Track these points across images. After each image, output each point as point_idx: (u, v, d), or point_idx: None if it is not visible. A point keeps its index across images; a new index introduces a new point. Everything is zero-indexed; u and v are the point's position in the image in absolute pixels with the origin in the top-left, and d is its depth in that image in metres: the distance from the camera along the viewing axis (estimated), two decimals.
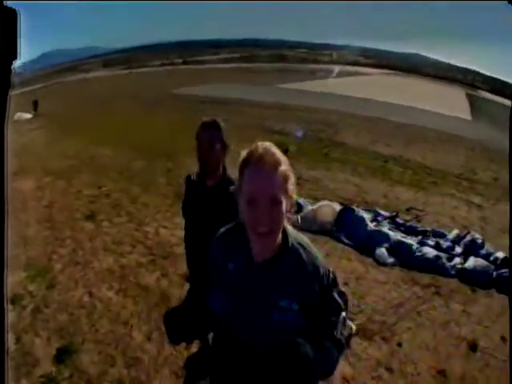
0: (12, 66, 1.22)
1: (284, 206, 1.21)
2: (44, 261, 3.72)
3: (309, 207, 6.40)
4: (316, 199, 7.10)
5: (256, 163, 1.21)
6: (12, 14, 1.11)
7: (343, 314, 1.36)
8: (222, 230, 1.50)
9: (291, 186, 1.25)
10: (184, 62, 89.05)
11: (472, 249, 5.47)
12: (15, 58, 1.16)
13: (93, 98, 32.05)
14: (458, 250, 5.47)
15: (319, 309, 1.31)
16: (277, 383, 1.28)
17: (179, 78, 46.47)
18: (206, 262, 1.51)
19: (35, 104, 27.79)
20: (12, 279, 4.53)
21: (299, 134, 13.22)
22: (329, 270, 1.35)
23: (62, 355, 3.53)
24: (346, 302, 1.39)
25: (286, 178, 1.22)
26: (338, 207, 6.35)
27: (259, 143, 1.26)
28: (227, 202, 2.34)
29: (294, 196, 1.27)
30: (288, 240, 1.31)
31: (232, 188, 1.33)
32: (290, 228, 1.34)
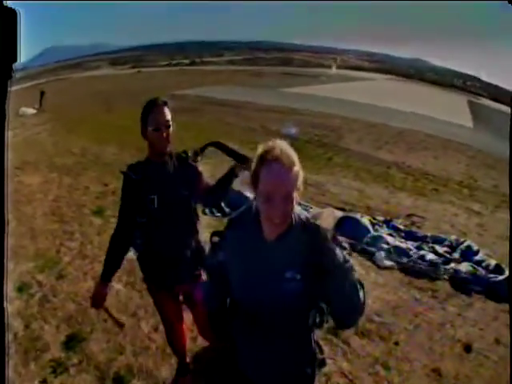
0: (13, 65, 1.30)
1: (294, 198, 1.35)
2: (52, 253, 3.76)
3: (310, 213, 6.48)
4: (319, 203, 7.19)
5: (274, 162, 1.31)
6: (12, 14, 1.18)
7: (350, 262, 1.44)
8: (234, 215, 1.67)
9: (301, 181, 1.37)
10: (190, 63, 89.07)
11: (466, 255, 5.56)
12: (15, 59, 1.23)
13: (99, 95, 31.99)
14: (455, 255, 5.55)
15: (328, 268, 1.38)
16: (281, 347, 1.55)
17: (185, 79, 46.27)
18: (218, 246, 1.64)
19: (42, 95, 27.63)
20: (20, 269, 4.63)
21: (291, 131, 13.17)
22: (326, 235, 1.43)
23: (71, 342, 3.60)
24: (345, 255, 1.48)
25: (298, 177, 1.34)
26: (339, 214, 6.43)
27: (277, 142, 1.37)
28: (188, 169, 2.54)
29: (301, 188, 1.39)
30: (293, 220, 1.44)
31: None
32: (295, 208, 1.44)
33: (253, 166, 1.39)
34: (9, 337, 3.53)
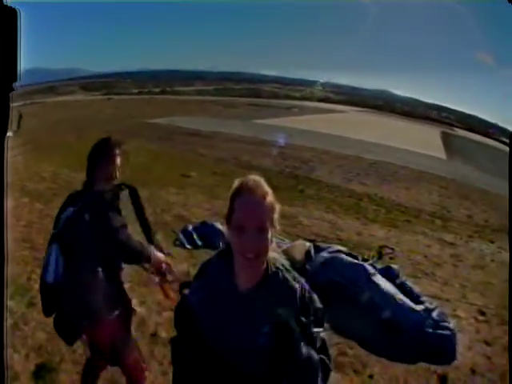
0: (14, 64, 1.26)
1: (269, 234, 1.32)
2: (23, 279, 3.65)
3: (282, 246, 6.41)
4: (290, 235, 7.16)
5: (247, 193, 1.32)
6: (12, 14, 1.16)
7: (320, 329, 1.42)
8: (205, 261, 1.59)
9: (276, 216, 1.35)
10: (161, 92, 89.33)
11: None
12: (15, 59, 1.19)
13: (71, 121, 31.90)
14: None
15: (299, 328, 1.33)
16: None
17: (155, 108, 46.64)
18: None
19: (20, 118, 27.26)
20: None
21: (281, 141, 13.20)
22: (306, 289, 1.42)
23: (41, 372, 3.50)
24: (322, 318, 1.46)
25: (272, 209, 1.33)
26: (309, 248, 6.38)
27: (250, 176, 1.38)
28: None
29: (277, 227, 1.36)
30: (268, 267, 1.40)
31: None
32: (270, 253, 1.41)
33: (228, 203, 1.38)
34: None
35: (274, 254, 1.46)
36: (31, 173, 12.73)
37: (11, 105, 1.36)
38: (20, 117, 27.37)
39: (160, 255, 2.67)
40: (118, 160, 2.61)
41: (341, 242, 7.28)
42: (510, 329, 3.86)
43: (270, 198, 1.34)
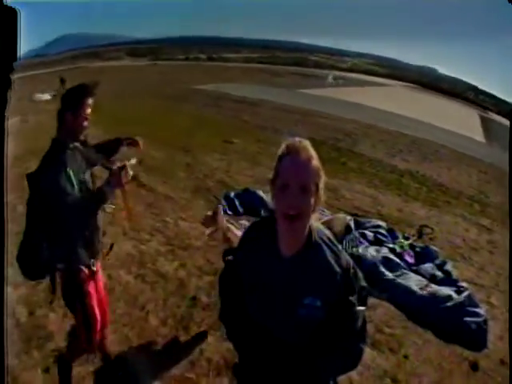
0: (13, 64, 1.31)
1: (312, 198, 1.34)
2: None
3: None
4: (332, 208, 7.17)
5: (293, 153, 1.35)
6: (12, 13, 1.19)
7: (363, 308, 1.46)
8: (249, 224, 1.65)
9: (321, 185, 1.38)
10: (208, 58, 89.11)
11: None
12: (15, 59, 1.24)
13: (116, 86, 32.04)
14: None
15: (342, 303, 1.38)
16: (298, 373, 1.47)
17: (202, 74, 46.23)
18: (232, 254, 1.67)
19: (62, 82, 27.74)
20: None
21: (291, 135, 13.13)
22: (350, 265, 1.43)
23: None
24: (365, 297, 1.50)
25: (317, 174, 1.36)
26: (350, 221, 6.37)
27: (297, 139, 1.40)
28: None
29: (322, 197, 1.39)
30: (312, 235, 1.41)
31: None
32: (314, 223, 1.44)
33: (273, 168, 1.41)
34: (9, 323, 3.57)
35: (318, 224, 1.47)
36: None
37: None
38: (62, 81, 27.85)
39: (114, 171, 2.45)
40: (87, 111, 2.56)
41: (381, 217, 7.27)
42: (510, 329, 3.92)
43: (316, 162, 1.36)
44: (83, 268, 2.61)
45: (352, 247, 5.60)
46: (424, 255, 5.72)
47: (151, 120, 15.70)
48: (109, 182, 2.39)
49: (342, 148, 13.70)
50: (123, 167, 2.43)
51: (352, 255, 5.31)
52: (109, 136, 3.11)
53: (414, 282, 4.78)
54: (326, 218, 6.37)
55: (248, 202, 6.87)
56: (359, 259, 5.13)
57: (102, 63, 76.56)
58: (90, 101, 2.58)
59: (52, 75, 36.78)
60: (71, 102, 2.48)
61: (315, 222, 1.44)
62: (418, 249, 5.90)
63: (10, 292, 4.20)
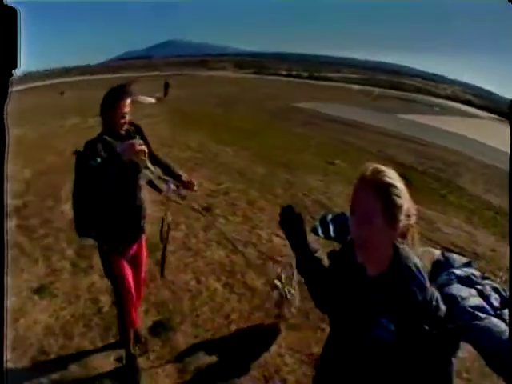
0: (12, 64, 1.28)
1: (378, 228, 1.27)
2: (157, 239, 3.71)
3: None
4: (427, 240, 7.03)
5: (363, 179, 1.29)
6: (12, 13, 1.23)
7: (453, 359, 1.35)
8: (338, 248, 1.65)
9: (402, 215, 1.28)
10: (309, 77, 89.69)
11: None
12: (15, 59, 1.26)
13: (220, 96, 32.98)
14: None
15: (416, 331, 1.27)
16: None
17: (302, 92, 46.56)
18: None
19: (166, 86, 29.35)
20: None
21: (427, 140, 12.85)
22: (434, 298, 1.31)
23: (158, 328, 3.83)
24: (454, 343, 1.37)
25: (391, 203, 1.26)
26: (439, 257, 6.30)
27: (375, 164, 1.33)
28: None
29: (411, 229, 1.34)
30: (398, 259, 1.33)
31: None
32: (406, 249, 1.35)
33: None
34: (91, 310, 3.98)
35: (407, 250, 1.36)
36: (176, 141, 13.46)
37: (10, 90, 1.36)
38: (166, 86, 29.37)
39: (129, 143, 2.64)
40: (124, 110, 2.76)
41: (476, 256, 7.00)
42: (510, 329, 3.91)
43: (391, 190, 1.26)
44: (119, 246, 3.02)
45: (443, 285, 5.63)
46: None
47: (253, 134, 16.27)
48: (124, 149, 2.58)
49: (443, 179, 13.32)
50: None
51: (441, 291, 5.33)
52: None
53: (497, 327, 4.78)
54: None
55: (341, 226, 6.84)
56: (448, 297, 5.04)
57: (207, 72, 78.78)
58: (128, 101, 2.77)
59: (157, 79, 38.30)
60: (109, 103, 2.73)
61: (406, 247, 1.37)
62: (503, 292, 5.82)
63: (96, 280, 4.61)
